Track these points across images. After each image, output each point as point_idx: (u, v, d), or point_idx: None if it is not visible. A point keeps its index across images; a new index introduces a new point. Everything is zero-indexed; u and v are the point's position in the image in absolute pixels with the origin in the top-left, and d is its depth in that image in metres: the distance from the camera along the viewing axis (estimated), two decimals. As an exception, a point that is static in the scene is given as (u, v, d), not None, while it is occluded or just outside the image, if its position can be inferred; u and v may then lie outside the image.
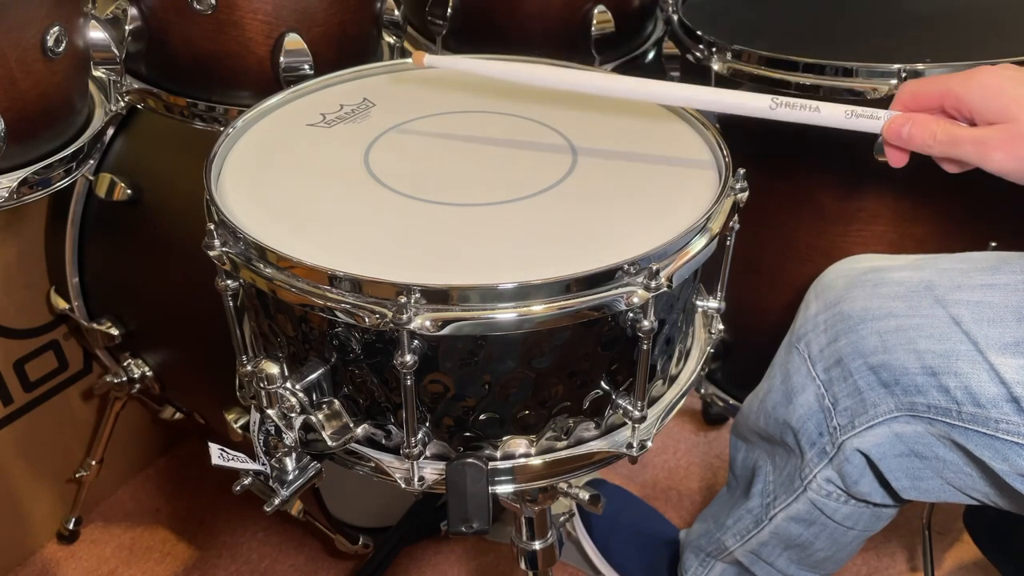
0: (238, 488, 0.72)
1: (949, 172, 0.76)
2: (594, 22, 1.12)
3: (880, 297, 0.84)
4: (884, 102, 1.01)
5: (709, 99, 0.77)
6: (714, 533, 1.06)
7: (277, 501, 0.70)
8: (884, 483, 0.88)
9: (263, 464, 0.70)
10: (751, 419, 0.98)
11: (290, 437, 0.68)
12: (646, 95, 0.80)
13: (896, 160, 0.76)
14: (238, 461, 0.70)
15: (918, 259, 0.89)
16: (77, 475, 1.32)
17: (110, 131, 1.09)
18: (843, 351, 0.84)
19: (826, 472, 0.90)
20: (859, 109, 0.75)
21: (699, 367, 0.80)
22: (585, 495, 0.81)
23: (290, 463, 0.70)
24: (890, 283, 0.84)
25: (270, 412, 0.67)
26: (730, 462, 1.09)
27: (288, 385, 0.66)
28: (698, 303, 0.80)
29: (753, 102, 0.76)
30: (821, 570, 1.03)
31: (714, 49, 1.11)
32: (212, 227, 0.67)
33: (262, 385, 0.66)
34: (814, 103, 0.76)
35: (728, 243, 0.75)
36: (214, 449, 0.69)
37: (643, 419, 0.71)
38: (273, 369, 0.66)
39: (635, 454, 0.71)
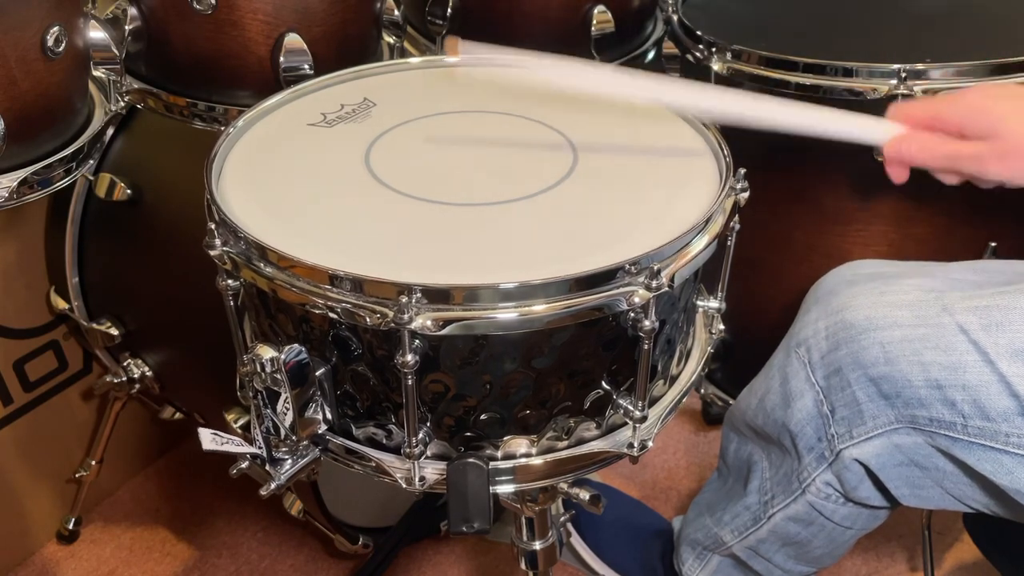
0: (235, 472, 0.72)
1: (947, 183, 0.79)
2: (594, 22, 1.11)
3: (885, 305, 0.82)
4: (884, 102, 1.01)
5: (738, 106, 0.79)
6: (711, 528, 1.06)
7: (274, 485, 0.70)
8: (883, 489, 0.87)
9: (259, 447, 0.69)
10: (748, 415, 0.98)
11: (287, 420, 0.68)
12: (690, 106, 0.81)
13: (897, 176, 0.80)
14: (232, 445, 0.69)
15: (927, 266, 0.89)
16: (77, 475, 1.32)
17: (110, 131, 1.09)
18: (843, 361, 0.83)
19: (825, 476, 0.89)
20: (864, 122, 0.78)
21: (700, 367, 0.80)
22: (585, 495, 0.81)
23: (286, 447, 0.70)
24: (897, 291, 0.83)
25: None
26: (721, 451, 1.09)
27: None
28: (699, 303, 0.80)
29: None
30: (818, 564, 1.03)
31: (714, 49, 1.11)
32: (213, 227, 0.67)
33: (258, 368, 0.66)
34: (819, 110, 0.79)
35: (729, 243, 0.75)
36: (205, 433, 0.69)
37: (644, 419, 0.71)
38: (269, 353, 0.65)
39: (636, 454, 0.71)
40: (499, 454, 0.70)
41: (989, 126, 0.73)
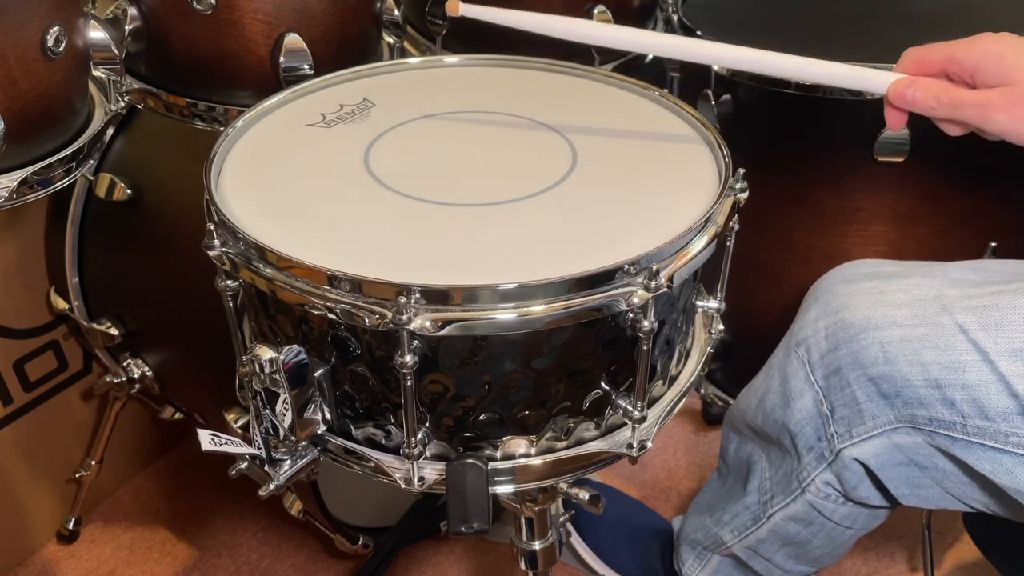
0: (234, 472, 0.72)
1: (950, 135, 0.78)
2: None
3: (884, 305, 0.82)
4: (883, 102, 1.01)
5: (737, 57, 0.78)
6: (711, 528, 1.06)
7: (272, 485, 0.70)
8: (883, 488, 0.87)
9: (257, 447, 0.69)
10: (748, 415, 0.98)
11: (286, 420, 0.68)
12: (686, 53, 0.80)
13: (895, 122, 0.78)
14: (231, 445, 0.69)
15: (927, 266, 0.89)
16: (77, 475, 1.32)
17: (110, 131, 1.09)
18: (842, 360, 0.83)
19: (824, 476, 0.89)
20: (865, 70, 0.76)
21: (699, 367, 0.80)
22: (585, 495, 0.81)
23: (285, 447, 0.70)
24: (896, 290, 0.83)
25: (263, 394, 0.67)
26: (721, 451, 1.09)
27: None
28: (698, 303, 0.80)
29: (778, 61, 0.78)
30: (818, 564, 1.03)
31: (714, 49, 1.11)
32: (212, 227, 0.67)
33: (257, 369, 0.66)
34: (820, 62, 0.77)
35: (728, 243, 0.75)
36: (203, 435, 0.69)
37: (643, 419, 0.71)
38: (268, 354, 0.65)
39: (635, 454, 0.71)
40: (498, 454, 0.70)
41: (1003, 73, 0.72)
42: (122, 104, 0.96)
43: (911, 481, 0.85)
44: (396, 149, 0.80)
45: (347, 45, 1.00)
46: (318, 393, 0.69)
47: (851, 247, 1.12)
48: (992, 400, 0.75)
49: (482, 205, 0.72)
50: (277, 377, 0.65)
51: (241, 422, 0.99)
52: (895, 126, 0.78)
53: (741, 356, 1.26)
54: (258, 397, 0.68)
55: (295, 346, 0.66)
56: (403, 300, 0.60)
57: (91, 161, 0.90)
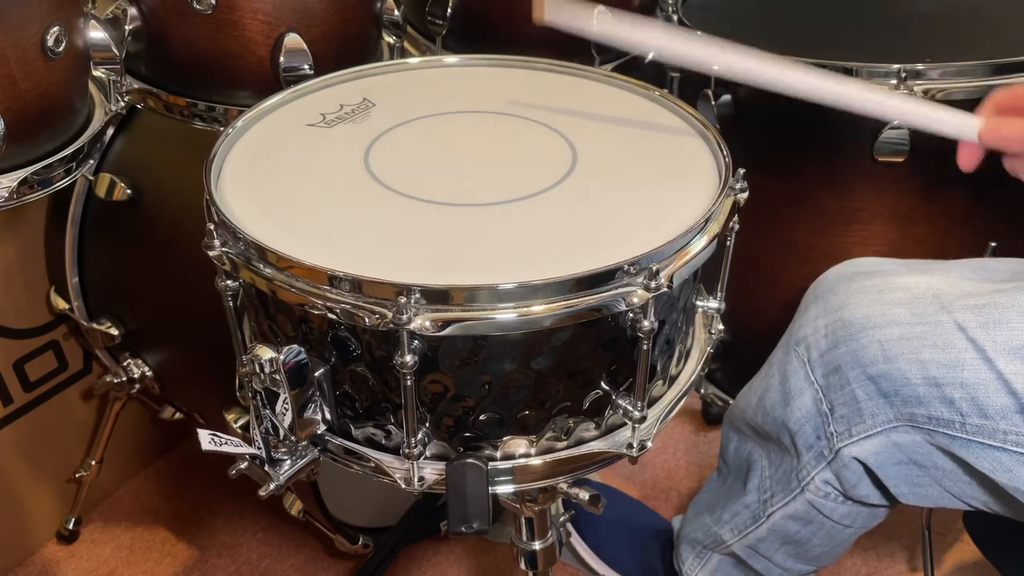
0: (234, 472, 0.72)
1: (1016, 173, 0.75)
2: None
3: (884, 303, 0.82)
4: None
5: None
6: (711, 527, 1.06)
7: (272, 485, 0.70)
8: (882, 487, 0.87)
9: (257, 447, 0.69)
10: (747, 413, 0.98)
11: (286, 420, 0.68)
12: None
13: (970, 161, 0.76)
14: (231, 445, 0.69)
15: (926, 264, 0.89)
16: (77, 475, 1.32)
17: (110, 131, 1.09)
18: (842, 359, 0.84)
19: (824, 475, 0.89)
20: (944, 108, 0.75)
21: (699, 367, 0.80)
22: (585, 495, 0.81)
23: (285, 447, 0.70)
24: (895, 289, 0.83)
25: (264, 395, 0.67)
26: (721, 450, 1.09)
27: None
28: (698, 303, 0.80)
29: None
30: (817, 563, 1.03)
31: (714, 49, 1.10)
32: (212, 227, 0.67)
33: (257, 369, 0.66)
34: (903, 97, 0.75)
35: (728, 243, 0.75)
36: (203, 435, 0.69)
37: (643, 419, 0.71)
38: (268, 354, 0.65)
39: (635, 454, 0.71)
40: (498, 454, 0.70)
41: None
42: (122, 104, 0.96)
43: (910, 480, 0.85)
44: (396, 149, 0.80)
45: (347, 45, 1.00)
46: (318, 393, 0.69)
47: (851, 247, 1.12)
48: (991, 398, 0.75)
49: (482, 205, 0.72)
50: (277, 377, 0.65)
51: (241, 422, 0.99)
52: (968, 167, 0.76)
53: (741, 356, 1.26)
54: (258, 397, 0.68)
55: (295, 346, 0.66)
56: (403, 300, 0.60)
57: (91, 161, 0.90)
